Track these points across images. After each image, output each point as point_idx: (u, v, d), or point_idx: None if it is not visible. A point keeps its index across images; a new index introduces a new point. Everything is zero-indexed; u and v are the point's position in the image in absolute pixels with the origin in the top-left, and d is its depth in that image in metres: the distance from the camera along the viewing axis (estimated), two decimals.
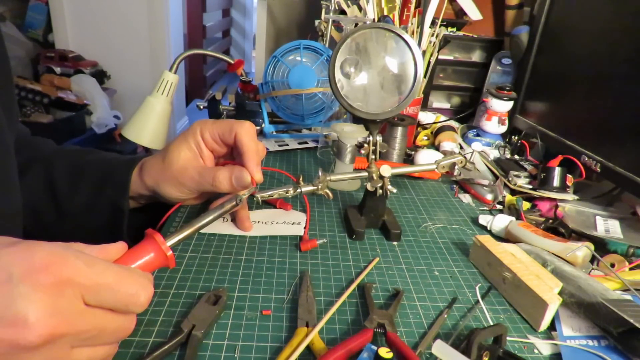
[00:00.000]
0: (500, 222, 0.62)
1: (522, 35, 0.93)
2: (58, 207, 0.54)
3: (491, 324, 0.44)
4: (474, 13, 1.05)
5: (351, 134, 0.71)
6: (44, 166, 0.55)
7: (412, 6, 0.87)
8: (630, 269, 0.54)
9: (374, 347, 0.37)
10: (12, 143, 0.46)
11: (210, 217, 0.45)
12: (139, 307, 0.32)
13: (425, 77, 0.92)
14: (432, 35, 0.87)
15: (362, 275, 0.50)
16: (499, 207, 0.72)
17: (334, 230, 0.60)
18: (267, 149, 0.86)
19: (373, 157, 0.56)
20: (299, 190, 0.54)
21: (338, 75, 0.52)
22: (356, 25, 0.88)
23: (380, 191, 0.57)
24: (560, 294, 0.45)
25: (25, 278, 0.26)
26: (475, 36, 1.10)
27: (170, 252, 0.37)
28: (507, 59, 1.03)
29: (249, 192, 0.50)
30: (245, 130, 0.52)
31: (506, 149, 0.87)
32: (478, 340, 0.39)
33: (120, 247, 0.35)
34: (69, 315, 0.27)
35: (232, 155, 0.56)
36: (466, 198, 0.75)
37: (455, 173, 0.61)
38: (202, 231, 0.56)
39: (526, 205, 0.68)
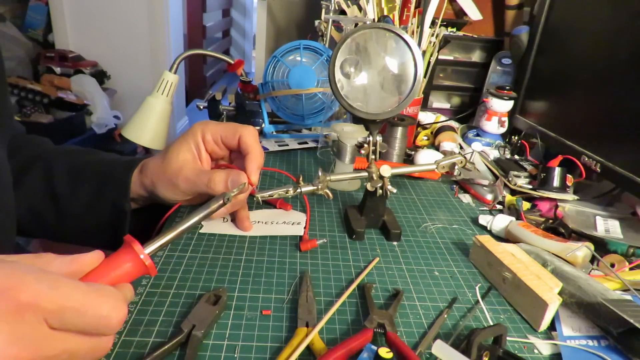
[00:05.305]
0: (500, 222, 0.62)
1: (522, 35, 0.93)
2: (58, 207, 0.54)
3: (491, 324, 0.44)
4: (474, 13, 1.05)
5: (351, 134, 0.71)
6: (43, 166, 0.55)
7: (412, 6, 0.87)
8: (630, 269, 0.54)
9: (374, 347, 0.37)
10: (4, 143, 0.46)
11: (195, 219, 0.41)
12: (110, 330, 0.30)
13: (425, 77, 0.92)
14: (432, 35, 0.86)
15: (362, 275, 0.50)
16: (499, 207, 0.72)
17: (334, 230, 0.60)
18: (267, 149, 0.86)
19: (373, 157, 0.56)
20: (299, 190, 0.54)
21: (338, 75, 0.52)
22: (356, 25, 0.88)
23: (380, 191, 0.57)
24: (560, 294, 0.45)
25: None
26: (475, 36, 1.10)
27: (149, 261, 0.34)
28: (507, 59, 1.03)
29: (238, 189, 0.47)
30: (250, 133, 0.52)
31: (506, 149, 0.87)
32: (478, 340, 0.39)
33: (95, 257, 0.33)
34: (32, 341, 0.26)
35: (230, 159, 0.57)
36: (466, 198, 0.75)
37: (455, 173, 0.61)
38: (202, 231, 0.56)
39: (526, 205, 0.68)
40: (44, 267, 0.29)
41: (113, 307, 0.29)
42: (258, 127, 0.92)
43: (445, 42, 1.02)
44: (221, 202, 0.44)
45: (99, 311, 0.28)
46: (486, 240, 0.54)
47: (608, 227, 0.62)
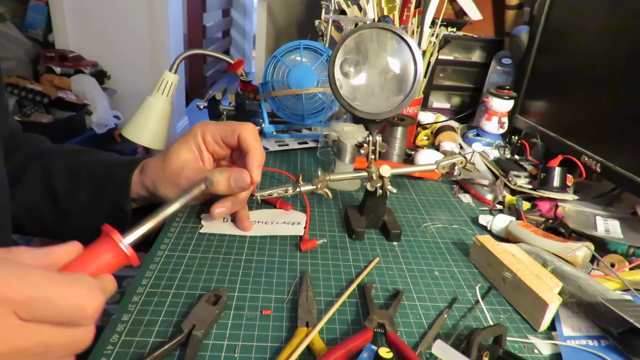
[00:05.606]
0: (500, 222, 0.62)
1: (522, 35, 0.93)
2: (57, 207, 0.54)
3: (491, 324, 0.44)
4: (474, 13, 1.05)
5: (351, 134, 0.71)
6: (41, 165, 0.55)
7: (412, 6, 0.87)
8: (630, 269, 0.54)
9: (374, 347, 0.37)
10: (0, 142, 0.46)
11: (177, 205, 0.39)
12: (85, 320, 0.28)
13: (425, 77, 0.92)
14: (432, 35, 0.87)
15: (362, 275, 0.50)
16: (499, 207, 0.72)
17: (334, 230, 0.60)
18: (267, 149, 0.86)
19: (373, 157, 0.56)
20: (298, 189, 0.54)
21: (338, 75, 0.52)
22: (356, 25, 0.88)
23: (380, 191, 0.57)
24: (560, 294, 0.45)
25: None
26: (475, 36, 1.10)
27: (130, 251, 0.33)
28: (507, 59, 1.03)
29: (221, 173, 0.46)
30: (250, 131, 0.52)
31: (506, 149, 0.87)
32: (478, 340, 0.39)
33: (71, 248, 0.31)
34: (3, 334, 0.25)
35: (231, 158, 0.57)
36: (466, 198, 0.75)
37: (455, 173, 0.61)
38: (202, 231, 0.56)
39: (526, 205, 0.68)
40: (15, 260, 0.29)
41: (86, 295, 0.28)
42: (258, 127, 0.92)
43: (445, 42, 1.02)
44: (203, 186, 0.43)
45: (70, 300, 0.27)
46: (486, 240, 0.54)
47: (608, 227, 0.62)
